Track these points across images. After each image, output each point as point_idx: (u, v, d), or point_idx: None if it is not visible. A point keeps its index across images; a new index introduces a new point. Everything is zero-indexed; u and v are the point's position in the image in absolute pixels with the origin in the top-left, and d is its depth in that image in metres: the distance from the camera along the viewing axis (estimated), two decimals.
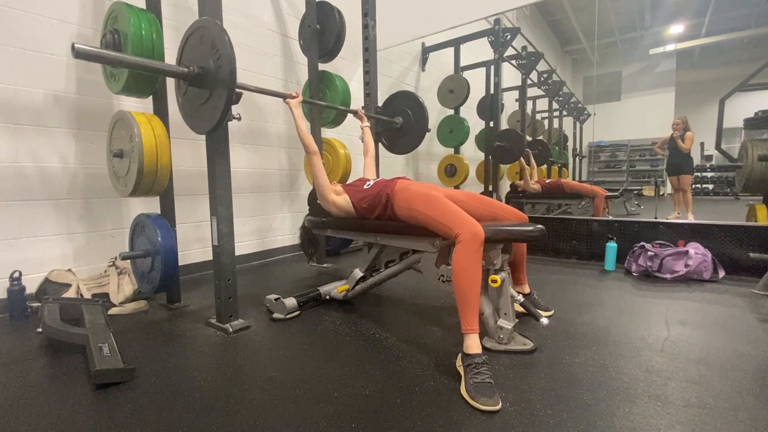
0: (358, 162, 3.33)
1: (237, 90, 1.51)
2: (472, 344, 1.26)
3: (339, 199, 1.82)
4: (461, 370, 1.24)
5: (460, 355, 1.29)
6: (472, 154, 5.30)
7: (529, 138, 5.39)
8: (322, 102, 2.46)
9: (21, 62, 1.94)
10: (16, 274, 1.86)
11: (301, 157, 3.43)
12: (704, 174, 5.74)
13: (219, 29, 1.48)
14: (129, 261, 2.13)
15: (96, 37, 2.13)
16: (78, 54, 1.27)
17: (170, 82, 2.06)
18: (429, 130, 2.77)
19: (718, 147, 3.26)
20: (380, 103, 2.84)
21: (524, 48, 4.91)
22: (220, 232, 1.68)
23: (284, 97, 1.96)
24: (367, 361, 1.41)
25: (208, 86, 1.55)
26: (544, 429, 1.01)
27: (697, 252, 2.43)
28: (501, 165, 4.81)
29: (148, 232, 1.96)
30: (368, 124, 2.39)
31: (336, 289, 2.04)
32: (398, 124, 2.79)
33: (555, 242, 3.15)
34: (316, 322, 1.80)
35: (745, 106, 3.66)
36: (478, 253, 1.30)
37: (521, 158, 4.52)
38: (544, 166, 5.34)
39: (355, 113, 2.46)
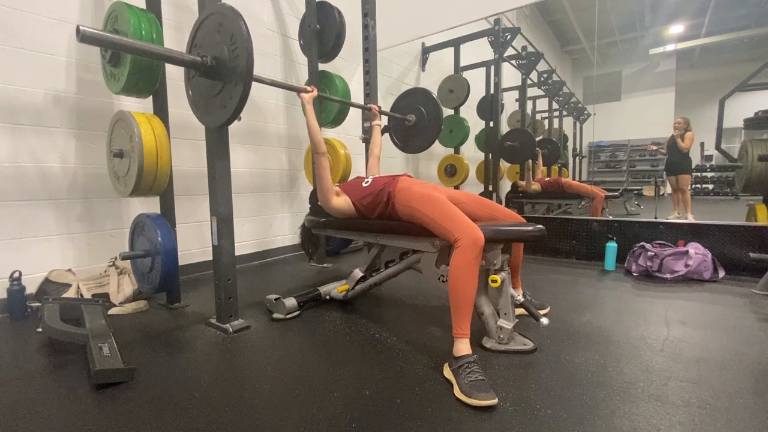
0: (359, 162, 3.34)
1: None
2: (463, 347, 1.26)
3: (340, 201, 1.77)
4: (451, 376, 1.23)
5: (446, 364, 1.29)
6: (472, 154, 5.30)
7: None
8: (336, 97, 2.35)
9: (21, 62, 1.94)
10: (16, 274, 1.86)
11: (301, 157, 3.43)
12: (704, 174, 5.73)
13: (235, 15, 1.41)
14: (129, 261, 2.13)
15: None
16: (83, 37, 1.19)
17: (170, 82, 2.06)
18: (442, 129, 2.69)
19: (718, 147, 3.26)
20: (380, 103, 2.84)
21: (524, 48, 4.91)
22: (220, 232, 1.68)
23: (299, 90, 1.90)
24: (367, 361, 1.41)
25: (222, 77, 1.48)
26: (544, 429, 1.01)
27: (697, 252, 2.43)
28: (502, 165, 4.81)
29: (148, 232, 1.96)
30: (380, 122, 2.33)
31: (336, 289, 2.04)
32: (411, 121, 2.73)
33: (555, 242, 3.15)
34: (316, 322, 1.80)
35: (745, 106, 3.65)
36: (476, 259, 1.29)
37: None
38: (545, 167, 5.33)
39: (369, 110, 2.39)
